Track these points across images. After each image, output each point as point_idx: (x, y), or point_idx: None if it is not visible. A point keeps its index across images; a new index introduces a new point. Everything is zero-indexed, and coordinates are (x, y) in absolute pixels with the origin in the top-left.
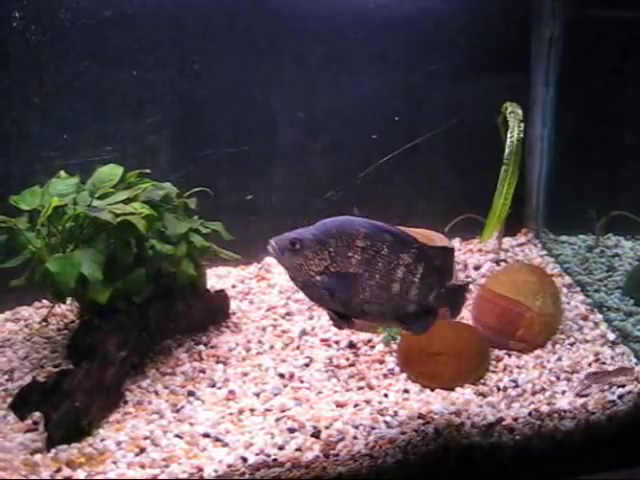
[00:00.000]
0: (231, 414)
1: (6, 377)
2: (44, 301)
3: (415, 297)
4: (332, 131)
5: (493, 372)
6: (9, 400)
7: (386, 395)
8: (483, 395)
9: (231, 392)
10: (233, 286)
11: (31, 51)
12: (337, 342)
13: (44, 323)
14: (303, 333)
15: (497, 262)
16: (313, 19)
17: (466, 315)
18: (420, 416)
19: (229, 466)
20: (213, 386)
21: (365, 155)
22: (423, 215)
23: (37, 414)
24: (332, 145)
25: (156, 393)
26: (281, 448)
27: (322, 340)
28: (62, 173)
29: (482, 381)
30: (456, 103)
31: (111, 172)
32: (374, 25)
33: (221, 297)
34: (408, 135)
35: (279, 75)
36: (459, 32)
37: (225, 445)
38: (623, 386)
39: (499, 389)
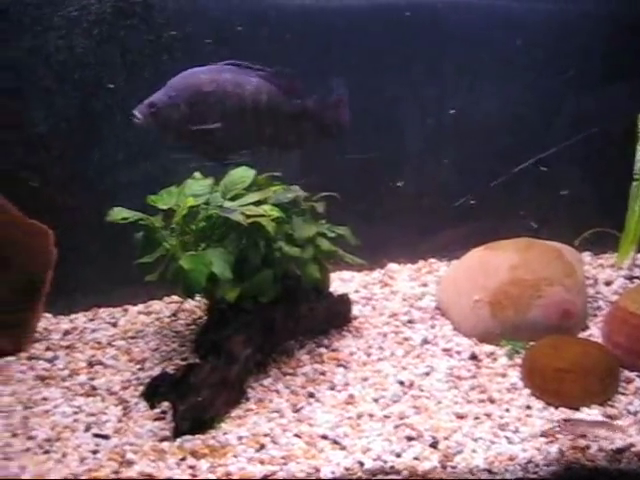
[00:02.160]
0: (350, 418)
1: (138, 367)
2: (174, 296)
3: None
4: (463, 139)
5: (623, 394)
6: (141, 389)
7: (508, 410)
8: (611, 418)
9: (351, 396)
10: (356, 291)
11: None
12: (459, 352)
13: (174, 317)
14: (425, 341)
15: (630, 279)
16: (449, 27)
17: (595, 333)
18: (543, 434)
19: (346, 469)
20: (333, 389)
21: (497, 164)
22: (553, 228)
23: (165, 404)
24: (463, 153)
25: (277, 392)
26: (398, 455)
27: (444, 350)
28: (197, 174)
29: (610, 403)
30: (590, 111)
31: (243, 174)
32: (509, 33)
33: (344, 301)
34: (541, 144)
35: (411, 82)
36: (594, 38)
37: (343, 448)
38: None
39: (629, 413)
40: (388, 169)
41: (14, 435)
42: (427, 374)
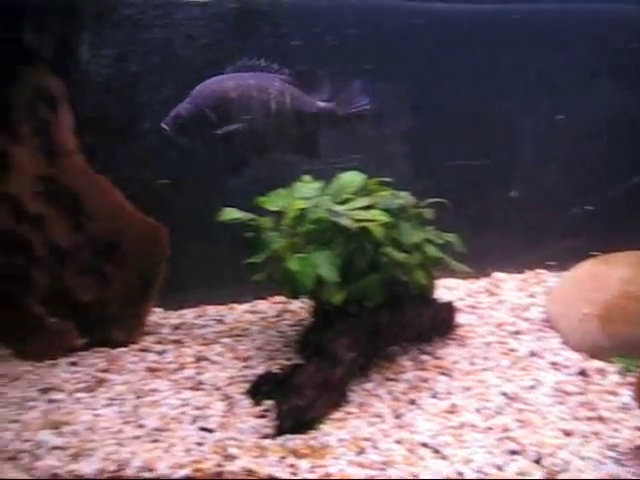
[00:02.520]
0: (451, 427)
1: (243, 364)
2: (280, 297)
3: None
4: (577, 146)
5: None
6: (245, 386)
7: (617, 430)
8: None
9: (453, 405)
10: (461, 299)
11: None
12: (567, 367)
13: (279, 318)
14: (531, 354)
15: None
16: (560, 32)
17: None
18: None
19: (446, 479)
20: (435, 397)
21: (612, 173)
22: None
23: (269, 402)
24: (576, 161)
25: (378, 397)
26: (500, 469)
27: (551, 363)
28: (307, 177)
29: None
30: None
31: (352, 179)
32: None
33: (449, 309)
34: None
35: (524, 90)
36: None
37: (444, 457)
38: None
39: None
40: (499, 176)
41: (126, 422)
42: (533, 387)
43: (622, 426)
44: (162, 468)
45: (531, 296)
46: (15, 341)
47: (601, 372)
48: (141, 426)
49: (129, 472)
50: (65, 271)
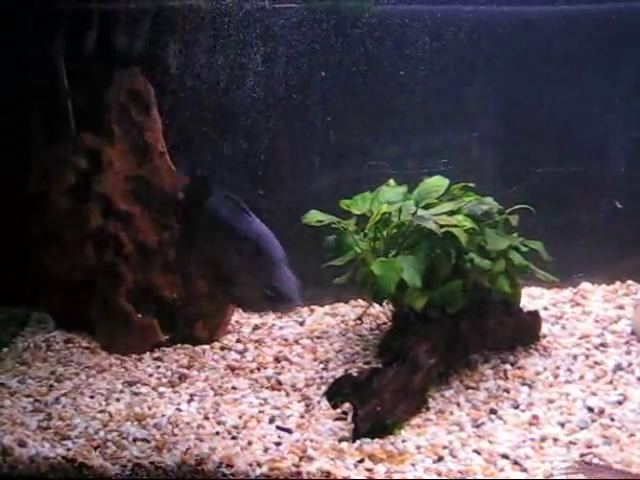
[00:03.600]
0: (533, 439)
1: (322, 366)
2: (360, 300)
3: None
4: None
5: None
6: (324, 388)
7: None
8: None
9: (535, 417)
10: (545, 308)
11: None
12: None
13: (359, 321)
14: (618, 367)
15: None
16: None
17: None
18: None
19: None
20: (516, 407)
21: None
22: None
23: (347, 405)
24: None
25: (458, 405)
26: None
27: (639, 379)
28: (391, 182)
29: None
30: None
31: (437, 183)
32: None
33: (533, 318)
34: None
35: (615, 94)
36: None
37: (524, 470)
38: None
39: None
40: (589, 184)
41: (206, 418)
42: (620, 403)
43: None
44: (240, 465)
45: (619, 308)
46: (103, 334)
47: None
48: (220, 422)
49: (208, 467)
50: (151, 269)
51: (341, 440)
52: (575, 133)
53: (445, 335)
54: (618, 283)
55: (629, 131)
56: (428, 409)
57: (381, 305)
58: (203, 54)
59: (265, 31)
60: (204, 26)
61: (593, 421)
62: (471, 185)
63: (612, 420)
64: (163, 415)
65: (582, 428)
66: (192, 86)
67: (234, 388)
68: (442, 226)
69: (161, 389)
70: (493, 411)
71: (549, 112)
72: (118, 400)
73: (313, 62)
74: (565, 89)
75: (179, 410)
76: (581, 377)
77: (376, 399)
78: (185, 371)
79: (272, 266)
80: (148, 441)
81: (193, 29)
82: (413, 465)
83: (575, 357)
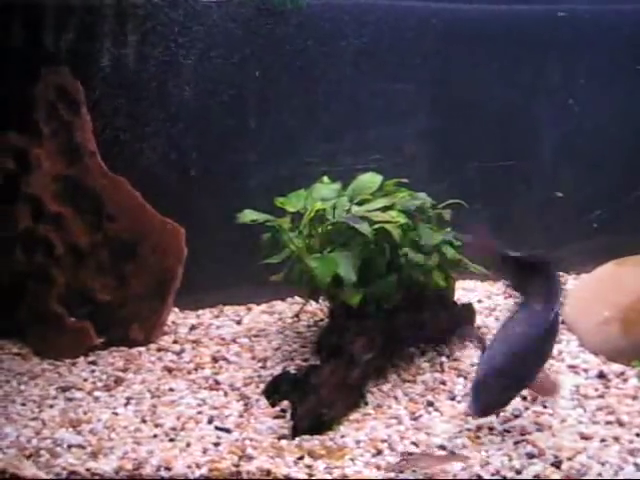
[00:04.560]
0: (469, 430)
1: (260, 365)
2: (296, 298)
3: None
4: (599, 149)
5: None
6: (262, 386)
7: (638, 435)
8: None
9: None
10: (479, 301)
11: (304, 62)
12: (586, 370)
13: (296, 318)
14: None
15: None
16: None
17: None
18: None
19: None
20: (453, 399)
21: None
22: None
23: (285, 402)
24: (597, 163)
25: (395, 398)
26: (518, 472)
27: (570, 366)
28: (325, 179)
29: None
30: None
31: (370, 180)
32: None
33: (467, 311)
34: None
35: (547, 88)
36: None
37: (461, 460)
38: None
39: None
40: (521, 178)
41: (143, 421)
42: None
43: None
44: (179, 467)
45: None
46: (35, 339)
47: (621, 376)
48: (158, 425)
49: (147, 470)
50: (84, 270)
51: (280, 438)
52: (507, 126)
53: (381, 330)
54: None
55: (560, 125)
56: (366, 404)
57: (317, 302)
58: (134, 50)
59: (198, 27)
60: (135, 22)
61: (526, 409)
62: (404, 181)
63: (544, 407)
64: (99, 420)
65: (516, 416)
66: (123, 83)
67: (171, 390)
68: (375, 222)
69: (96, 393)
70: (430, 403)
71: (482, 106)
72: (51, 406)
73: (246, 58)
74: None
75: (115, 414)
76: None
77: (314, 395)
78: (121, 374)
79: None
80: (84, 447)
81: (124, 24)
82: (352, 460)
83: None
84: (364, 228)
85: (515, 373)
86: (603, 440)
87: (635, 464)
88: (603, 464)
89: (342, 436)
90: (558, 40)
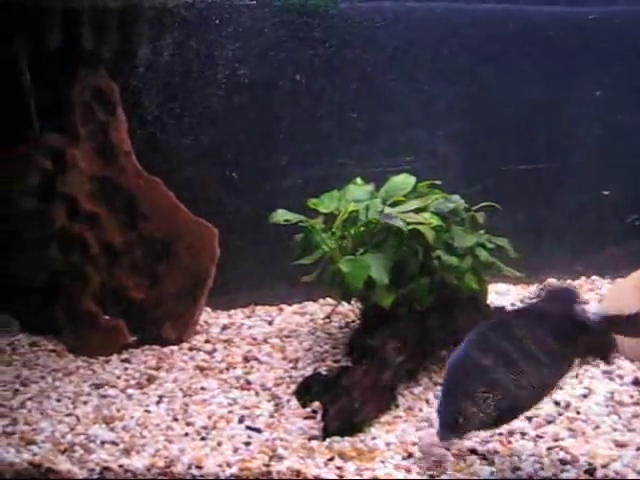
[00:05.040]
0: (501, 434)
1: (291, 365)
2: (328, 299)
3: None
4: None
5: None
6: (293, 387)
7: None
8: None
9: None
10: (512, 304)
11: (334, 63)
12: (621, 377)
13: (327, 320)
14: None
15: None
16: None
17: None
18: None
19: None
20: None
21: None
22: None
23: (316, 403)
24: (628, 167)
25: (427, 401)
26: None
27: (604, 372)
28: (358, 180)
29: None
30: None
31: (404, 181)
32: None
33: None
34: None
35: (580, 93)
36: None
37: (491, 464)
38: None
39: None
40: (554, 181)
41: (175, 420)
42: (585, 396)
43: None
44: (210, 466)
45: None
46: (70, 337)
47: None
48: (190, 424)
49: (178, 469)
50: (118, 269)
51: (311, 439)
52: (541, 131)
53: (413, 332)
54: (583, 279)
55: (593, 128)
56: (397, 406)
57: (349, 303)
58: (171, 53)
59: (233, 29)
60: (172, 24)
61: (560, 415)
62: (437, 183)
63: (578, 413)
64: (131, 417)
65: (549, 422)
66: (158, 84)
67: (203, 389)
68: (409, 224)
69: (129, 391)
70: None
71: (515, 110)
72: (85, 403)
73: (281, 60)
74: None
75: (148, 412)
76: None
77: (345, 397)
78: (153, 372)
79: None
80: (116, 444)
81: (162, 27)
82: (383, 462)
83: None
84: (398, 223)
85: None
86: (639, 448)
87: None
88: (639, 472)
89: (373, 438)
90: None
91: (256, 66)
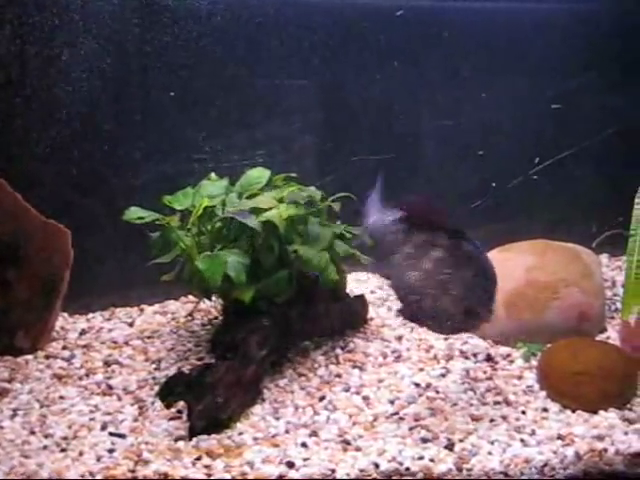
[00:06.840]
0: (365, 420)
1: (154, 366)
2: (190, 297)
3: None
4: (479, 140)
5: None
6: (156, 388)
7: (524, 412)
8: (629, 421)
9: (365, 398)
10: (372, 292)
11: (184, 57)
12: (475, 355)
13: (189, 318)
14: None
15: None
16: (455, 28)
17: (613, 335)
18: (560, 437)
19: (361, 471)
20: (348, 390)
21: (513, 165)
22: (570, 229)
23: (181, 403)
24: (479, 155)
25: (292, 393)
26: (414, 457)
27: (460, 351)
28: (212, 175)
29: (629, 406)
30: (608, 113)
31: (259, 175)
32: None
33: (360, 302)
34: (558, 146)
35: (426, 83)
36: (611, 39)
37: (358, 450)
38: None
39: None
40: (405, 171)
41: (32, 433)
42: (443, 376)
43: (528, 408)
44: (71, 477)
45: None
46: None
47: (507, 358)
48: (48, 435)
49: None
50: None
51: (177, 439)
52: (390, 122)
53: (275, 325)
54: None
55: (442, 119)
56: (263, 400)
57: (210, 300)
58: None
59: (86, 23)
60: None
61: (420, 395)
62: (293, 175)
63: (437, 392)
64: None
65: (410, 403)
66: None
67: (62, 397)
68: (263, 210)
69: None
70: (326, 396)
71: (365, 102)
72: None
73: (135, 55)
74: (383, 80)
75: (1, 427)
76: (408, 355)
77: (210, 395)
78: (6, 385)
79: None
80: None
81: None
82: (251, 457)
83: (401, 337)
84: (252, 222)
85: None
86: (492, 420)
87: (522, 440)
88: (492, 443)
89: (240, 433)
90: None
91: (105, 57)
